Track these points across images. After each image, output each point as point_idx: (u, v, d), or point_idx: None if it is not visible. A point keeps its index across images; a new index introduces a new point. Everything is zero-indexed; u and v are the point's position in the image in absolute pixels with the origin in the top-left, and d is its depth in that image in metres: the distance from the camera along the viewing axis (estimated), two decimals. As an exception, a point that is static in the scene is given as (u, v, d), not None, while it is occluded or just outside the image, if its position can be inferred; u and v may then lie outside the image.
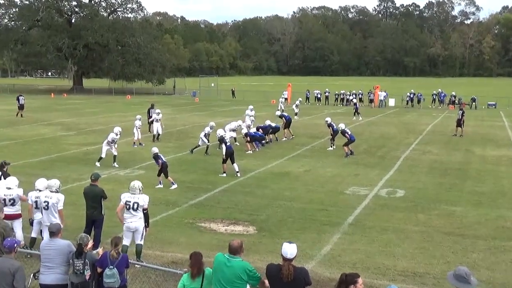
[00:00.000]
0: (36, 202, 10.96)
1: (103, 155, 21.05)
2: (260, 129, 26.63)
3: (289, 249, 6.86)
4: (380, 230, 13.07)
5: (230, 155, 19.47)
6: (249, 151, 24.42)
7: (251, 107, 31.73)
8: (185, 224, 13.54)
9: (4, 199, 11.07)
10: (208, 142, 24.12)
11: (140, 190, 10.85)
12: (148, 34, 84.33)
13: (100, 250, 8.50)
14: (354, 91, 58.91)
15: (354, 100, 43.54)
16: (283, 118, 29.31)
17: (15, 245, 7.67)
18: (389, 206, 15.31)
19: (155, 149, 17.80)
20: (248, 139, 24.98)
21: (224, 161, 19.46)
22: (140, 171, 20.06)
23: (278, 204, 15.44)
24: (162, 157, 17.55)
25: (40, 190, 11.03)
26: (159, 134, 28.62)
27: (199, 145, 24.30)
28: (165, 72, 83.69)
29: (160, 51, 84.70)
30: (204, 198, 16.14)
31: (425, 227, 13.37)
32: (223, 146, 19.66)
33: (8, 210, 10.96)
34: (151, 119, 29.80)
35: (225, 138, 20.21)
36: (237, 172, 19.32)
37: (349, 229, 13.20)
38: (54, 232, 8.29)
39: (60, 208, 10.78)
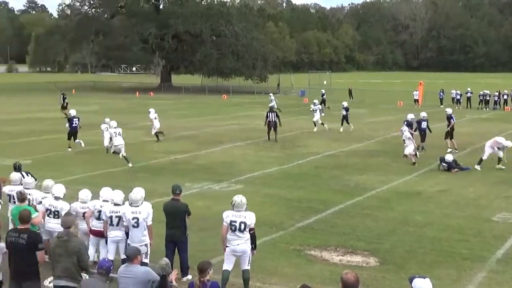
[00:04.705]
0: (111, 217, 11.43)
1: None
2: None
3: (423, 286, 6.73)
4: (539, 268, 12.50)
5: None
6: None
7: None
8: (291, 251, 13.62)
9: (49, 210, 11.78)
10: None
11: (246, 207, 10.98)
12: (248, 21, 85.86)
13: (173, 276, 8.64)
14: (505, 91, 56.63)
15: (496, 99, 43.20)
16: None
17: (112, 267, 8.30)
18: (551, 239, 14.58)
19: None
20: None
21: None
22: (238, 185, 20.43)
23: (406, 231, 15.18)
24: None
25: (117, 204, 11.50)
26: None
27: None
28: (267, 66, 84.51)
29: (262, 42, 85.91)
30: (315, 220, 16.17)
31: None
32: None
33: (97, 225, 11.65)
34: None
35: None
36: None
37: (498, 266, 12.72)
38: (129, 257, 8.66)
39: (150, 223, 11.18)
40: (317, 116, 35.35)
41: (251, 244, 10.91)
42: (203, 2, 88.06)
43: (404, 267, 12.49)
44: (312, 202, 18.09)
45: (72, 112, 29.36)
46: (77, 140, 28.11)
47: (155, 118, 30.98)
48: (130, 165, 23.60)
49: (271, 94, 50.26)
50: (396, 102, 57.73)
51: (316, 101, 37.13)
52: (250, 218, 10.78)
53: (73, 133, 28.02)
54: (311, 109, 36.09)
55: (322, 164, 24.65)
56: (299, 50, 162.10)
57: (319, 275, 12.02)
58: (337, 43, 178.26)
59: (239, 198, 10.88)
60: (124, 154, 24.16)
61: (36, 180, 13.88)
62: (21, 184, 12.90)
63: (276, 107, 47.04)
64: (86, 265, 9.03)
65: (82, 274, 9.09)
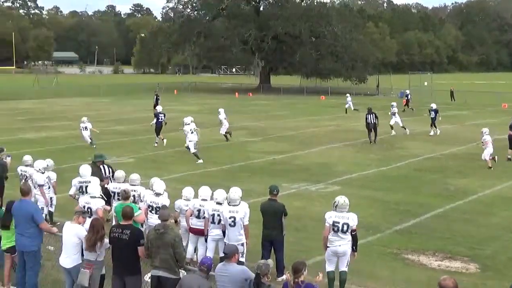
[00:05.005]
0: (213, 215, 11.60)
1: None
2: None
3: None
4: None
5: None
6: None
7: None
8: (387, 255, 13.48)
9: (151, 206, 12.02)
10: None
11: (348, 208, 10.96)
12: (348, 22, 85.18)
13: (287, 276, 8.69)
14: None
15: None
16: None
17: (212, 265, 8.51)
18: None
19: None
20: None
21: None
22: (335, 186, 20.33)
23: (509, 237, 14.70)
24: None
25: (219, 203, 11.66)
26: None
27: None
28: (366, 68, 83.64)
29: (362, 43, 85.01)
30: (412, 223, 15.91)
31: None
32: None
33: (196, 224, 11.90)
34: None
35: None
36: None
37: None
38: (227, 256, 8.76)
39: (246, 223, 11.30)
40: (395, 119, 34.08)
41: (353, 246, 10.89)
42: (303, 3, 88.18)
43: (507, 275, 12.08)
44: (410, 205, 17.78)
45: (159, 108, 30.96)
46: (159, 136, 29.21)
47: (225, 118, 31.22)
48: (200, 161, 24.64)
49: (348, 95, 50.16)
50: (501, 104, 55.75)
51: (394, 103, 35.63)
52: (352, 220, 10.77)
53: (159, 127, 29.24)
54: (390, 112, 34.59)
55: (422, 166, 24.18)
56: (400, 51, 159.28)
57: (417, 279, 11.84)
58: (439, 44, 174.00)
59: (342, 199, 10.89)
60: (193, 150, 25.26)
61: (113, 172, 14.66)
62: (126, 182, 13.29)
63: (352, 108, 47.12)
64: (180, 258, 9.23)
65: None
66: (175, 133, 30.46)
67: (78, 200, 13.38)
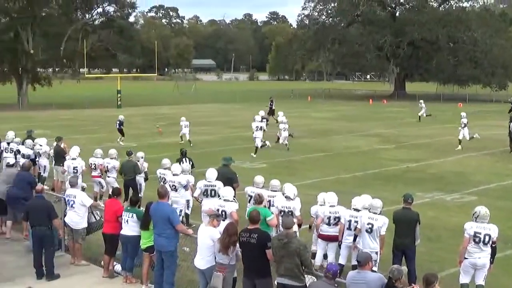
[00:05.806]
0: (349, 222, 11.57)
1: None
2: None
3: None
4: None
5: None
6: None
7: None
8: (528, 270, 12.83)
9: (283, 211, 11.98)
10: None
11: (489, 219, 10.59)
12: (488, 26, 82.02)
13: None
14: None
15: None
16: None
17: (338, 271, 8.56)
18: None
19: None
20: None
21: None
22: (471, 197, 19.62)
23: None
24: None
25: (358, 210, 11.61)
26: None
27: None
28: (508, 74, 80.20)
29: (503, 48, 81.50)
30: (556, 238, 15.04)
31: None
32: None
33: (326, 230, 11.90)
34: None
35: None
36: None
37: None
38: (361, 263, 8.69)
39: (383, 233, 11.16)
40: (464, 133, 30.66)
41: (491, 258, 10.54)
42: (441, 8, 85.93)
43: None
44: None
45: (261, 113, 32.09)
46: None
47: (282, 122, 30.93)
48: (254, 155, 27.40)
49: (421, 101, 48.41)
50: None
51: (463, 113, 31.98)
52: (494, 231, 10.47)
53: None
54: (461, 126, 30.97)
55: None
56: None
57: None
58: None
59: (484, 210, 10.60)
60: (258, 146, 27.93)
61: (193, 167, 16.45)
62: (263, 187, 13.35)
63: (425, 114, 45.18)
64: (308, 264, 9.25)
65: (306, 275, 9.32)
66: (306, 139, 30.59)
67: (201, 202, 13.91)
